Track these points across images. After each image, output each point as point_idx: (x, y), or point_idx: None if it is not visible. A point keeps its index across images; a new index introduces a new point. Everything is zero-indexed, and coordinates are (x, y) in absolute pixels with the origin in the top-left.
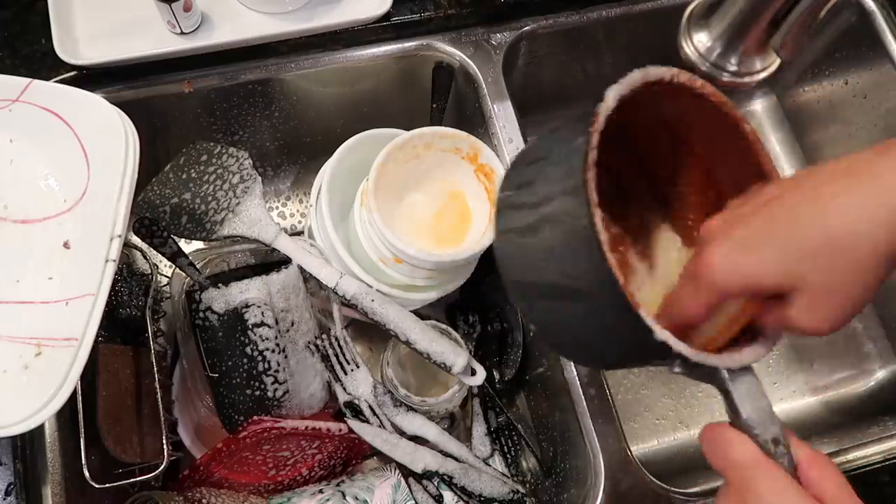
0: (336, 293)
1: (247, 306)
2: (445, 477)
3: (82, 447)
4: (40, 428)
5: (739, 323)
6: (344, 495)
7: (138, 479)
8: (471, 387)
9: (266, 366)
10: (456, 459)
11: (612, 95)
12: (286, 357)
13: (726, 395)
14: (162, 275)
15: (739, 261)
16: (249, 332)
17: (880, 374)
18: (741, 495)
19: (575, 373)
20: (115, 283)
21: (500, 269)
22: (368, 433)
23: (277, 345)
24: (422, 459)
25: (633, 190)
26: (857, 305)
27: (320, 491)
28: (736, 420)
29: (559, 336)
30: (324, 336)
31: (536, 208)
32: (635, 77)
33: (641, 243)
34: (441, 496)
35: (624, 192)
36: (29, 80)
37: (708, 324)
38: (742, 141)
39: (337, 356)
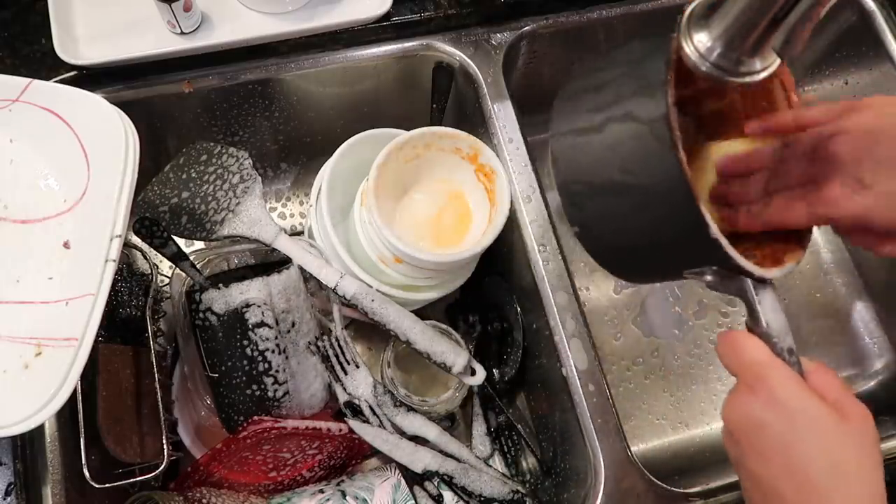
0: (336, 293)
1: (247, 306)
2: (445, 477)
3: (82, 447)
4: (40, 428)
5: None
6: (344, 495)
7: (138, 479)
8: (471, 387)
9: (266, 366)
10: (456, 459)
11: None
12: (286, 358)
13: (750, 306)
14: (162, 275)
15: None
16: (250, 333)
17: (880, 375)
18: (753, 389)
19: (574, 372)
20: (115, 283)
21: (552, 169)
22: (369, 433)
23: (278, 345)
24: (422, 460)
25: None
26: None
27: (320, 491)
28: (756, 328)
29: (602, 236)
30: (324, 336)
31: (603, 110)
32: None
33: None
34: (441, 496)
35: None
36: (29, 80)
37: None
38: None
39: (337, 356)
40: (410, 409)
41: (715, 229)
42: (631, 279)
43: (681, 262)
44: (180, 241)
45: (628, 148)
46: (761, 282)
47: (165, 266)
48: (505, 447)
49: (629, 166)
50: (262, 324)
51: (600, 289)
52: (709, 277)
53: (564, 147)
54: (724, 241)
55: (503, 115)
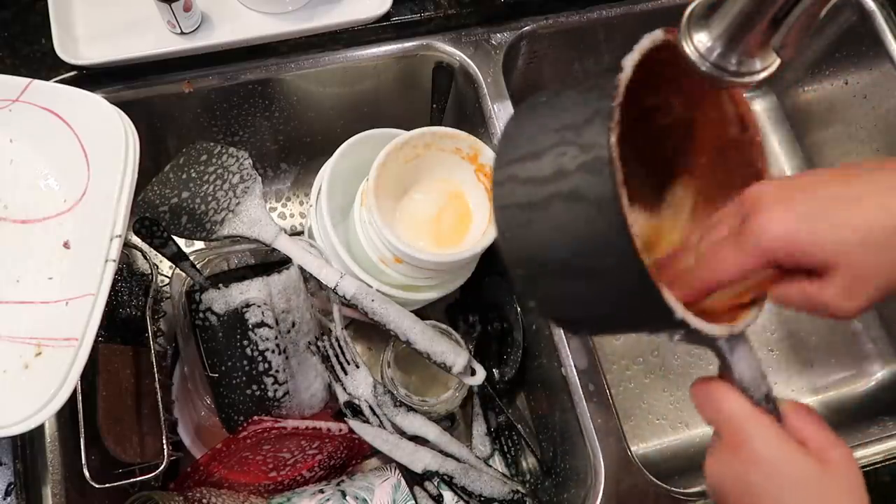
0: (336, 293)
1: (247, 306)
2: (445, 477)
3: (82, 447)
4: (40, 428)
5: (749, 295)
6: (344, 495)
7: (138, 479)
8: (471, 387)
9: (266, 366)
10: (456, 459)
11: (629, 64)
12: (287, 358)
13: (722, 358)
14: (162, 275)
15: (793, 228)
16: (250, 333)
17: (880, 375)
18: (735, 448)
19: (574, 372)
20: (115, 283)
21: (499, 243)
22: (369, 433)
23: (278, 345)
24: (422, 460)
25: (645, 145)
26: (884, 293)
27: (320, 491)
28: (730, 379)
29: (561, 312)
30: (324, 336)
31: (546, 184)
32: (644, 43)
33: (648, 188)
34: (441, 496)
35: (634, 145)
36: (29, 80)
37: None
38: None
39: (337, 356)
40: (410, 409)
41: (680, 311)
42: (598, 336)
43: (648, 329)
44: (180, 241)
45: (577, 230)
46: (732, 336)
47: (165, 266)
48: (505, 447)
49: (580, 249)
50: (262, 324)
51: None
52: (677, 337)
53: (509, 222)
54: (692, 319)
55: (503, 115)
